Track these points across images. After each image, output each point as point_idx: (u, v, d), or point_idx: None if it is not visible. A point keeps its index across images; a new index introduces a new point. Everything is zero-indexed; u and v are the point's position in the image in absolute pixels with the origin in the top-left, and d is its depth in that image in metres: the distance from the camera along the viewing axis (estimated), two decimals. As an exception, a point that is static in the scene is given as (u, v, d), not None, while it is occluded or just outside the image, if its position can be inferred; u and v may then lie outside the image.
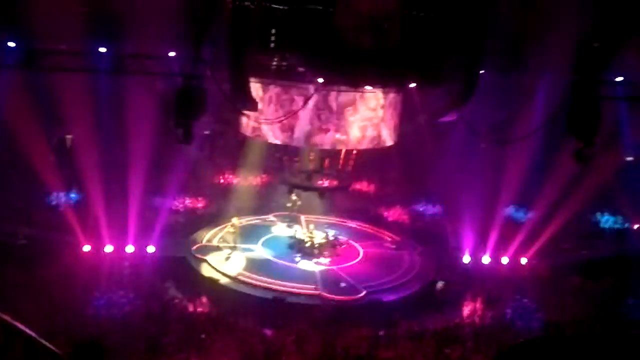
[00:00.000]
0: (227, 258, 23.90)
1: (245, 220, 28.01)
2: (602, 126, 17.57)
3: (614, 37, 19.50)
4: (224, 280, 22.29)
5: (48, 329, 16.05)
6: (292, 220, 27.68)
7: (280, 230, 27.43)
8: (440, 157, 31.56)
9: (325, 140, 21.80)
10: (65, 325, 17.72)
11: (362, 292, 21.67)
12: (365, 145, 22.44)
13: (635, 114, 27.44)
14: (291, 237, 25.84)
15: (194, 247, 24.55)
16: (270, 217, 29.07)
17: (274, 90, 21.18)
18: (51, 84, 25.46)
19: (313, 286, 21.78)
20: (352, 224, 29.32)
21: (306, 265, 23.81)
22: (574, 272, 24.53)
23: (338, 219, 29.47)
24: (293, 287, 21.63)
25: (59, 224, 24.96)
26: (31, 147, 25.64)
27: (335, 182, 26.36)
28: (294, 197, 27.33)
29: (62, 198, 27.17)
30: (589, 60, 18.93)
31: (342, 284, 22.14)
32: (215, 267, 23.07)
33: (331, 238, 25.35)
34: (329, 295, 21.24)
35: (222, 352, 17.44)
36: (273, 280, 21.96)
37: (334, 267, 23.21)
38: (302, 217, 27.81)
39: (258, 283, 21.91)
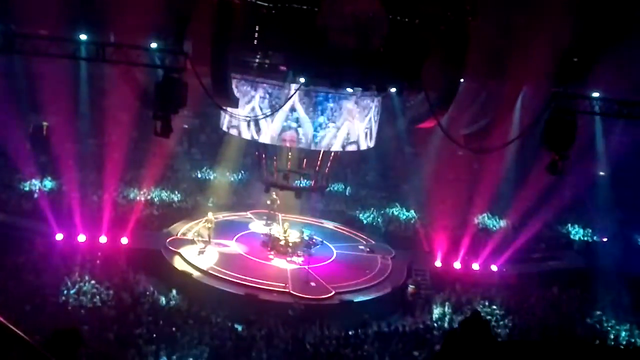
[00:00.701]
0: (200, 252, 23.88)
1: (223, 216, 28.02)
2: (576, 140, 17.89)
3: (592, 53, 19.88)
4: (196, 274, 22.27)
5: (16, 315, 15.98)
6: (270, 219, 27.68)
7: (257, 227, 27.44)
8: (417, 162, 31.95)
9: (297, 140, 21.95)
10: (34, 312, 17.60)
11: (331, 292, 21.81)
12: (340, 147, 22.59)
13: (609, 129, 28.06)
14: (265, 235, 25.88)
15: (168, 240, 24.50)
16: (248, 215, 29.09)
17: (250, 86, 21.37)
18: (29, 70, 25.26)
19: (283, 284, 21.86)
20: (329, 225, 29.43)
21: (279, 263, 23.88)
22: (542, 281, 24.93)
23: (315, 220, 29.56)
24: (263, 284, 21.70)
25: (32, 211, 24.76)
26: (6, 133, 25.39)
27: (312, 183, 26.47)
28: (273, 195, 27.33)
29: (36, 185, 26.96)
30: (567, 74, 19.26)
31: (312, 284, 22.26)
32: (188, 260, 23.04)
33: (306, 238, 25.45)
34: (297, 294, 21.34)
35: (192, 345, 17.45)
36: (244, 276, 22.00)
37: (306, 267, 23.30)
38: (280, 216, 27.85)
39: (229, 278, 21.93)
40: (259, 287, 21.52)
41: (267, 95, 21.28)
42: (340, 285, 22.45)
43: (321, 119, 21.54)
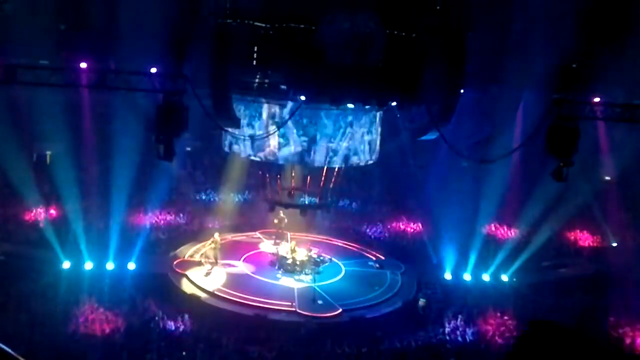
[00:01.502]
0: (207, 273, 23.82)
1: (231, 237, 28.02)
2: (580, 146, 17.83)
3: (592, 59, 19.91)
4: (204, 296, 22.18)
5: (26, 345, 15.90)
6: (279, 238, 27.47)
7: (266, 247, 27.30)
8: (422, 174, 31.86)
9: (301, 158, 22.06)
10: (44, 342, 17.51)
11: (338, 309, 21.67)
12: (342, 163, 22.59)
13: (613, 134, 27.96)
14: (272, 254, 25.79)
15: (175, 262, 24.47)
16: (257, 234, 29.00)
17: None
18: (31, 99, 25.36)
19: (290, 303, 21.73)
20: (338, 243, 29.26)
21: (287, 282, 23.75)
22: (554, 289, 24.69)
23: (324, 237, 29.42)
24: (270, 304, 21.59)
25: (38, 240, 24.69)
26: (10, 163, 25.44)
27: (317, 200, 26.39)
28: (281, 214, 27.26)
29: (41, 214, 26.94)
30: (568, 80, 19.29)
31: (319, 301, 22.11)
32: (195, 282, 22.98)
33: (314, 256, 25.35)
34: (304, 312, 21.22)
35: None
36: (251, 297, 21.93)
37: (313, 285, 23.20)
38: (289, 235, 27.77)
39: (236, 299, 21.85)
40: (265, 307, 21.39)
41: (257, 114, 21.41)
42: (348, 302, 22.32)
43: (318, 136, 21.61)
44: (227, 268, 24.62)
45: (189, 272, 23.69)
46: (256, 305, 21.46)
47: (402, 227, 31.12)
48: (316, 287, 22.91)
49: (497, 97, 24.08)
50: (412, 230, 30.75)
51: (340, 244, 29.11)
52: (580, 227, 30.30)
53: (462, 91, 21.82)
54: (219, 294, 22.25)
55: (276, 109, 21.19)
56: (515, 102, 25.23)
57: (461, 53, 19.93)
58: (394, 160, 30.91)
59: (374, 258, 27.45)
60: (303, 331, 20.28)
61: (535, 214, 28.48)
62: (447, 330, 21.50)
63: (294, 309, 21.38)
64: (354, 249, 28.75)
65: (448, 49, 20.00)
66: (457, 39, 19.99)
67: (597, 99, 18.72)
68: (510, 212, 29.89)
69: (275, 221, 27.63)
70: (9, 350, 5.74)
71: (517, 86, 22.26)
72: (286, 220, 27.42)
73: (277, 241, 27.14)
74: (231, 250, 26.27)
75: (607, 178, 31.18)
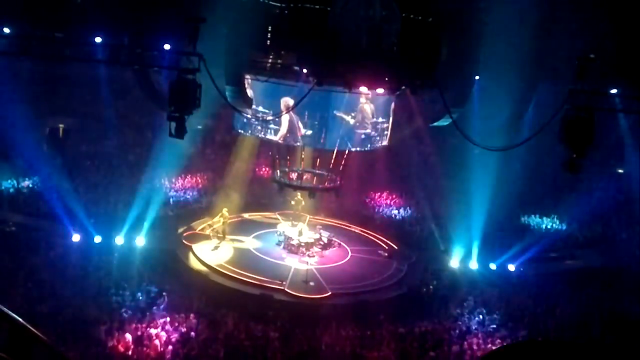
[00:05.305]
0: (215, 248, 24.27)
1: (248, 215, 28.52)
2: (595, 138, 17.59)
3: (611, 49, 19.58)
4: (206, 271, 22.56)
5: (35, 316, 16.11)
6: (296, 219, 27.38)
7: (283, 228, 27.16)
8: (432, 160, 31.78)
9: (313, 140, 22.12)
10: (52, 314, 17.72)
11: (328, 292, 21.80)
12: (354, 146, 22.56)
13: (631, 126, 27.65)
14: (279, 234, 25.91)
15: (185, 234, 24.96)
16: (275, 215, 29.09)
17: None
18: (45, 72, 25.42)
19: (280, 281, 21.92)
20: (355, 229, 29.29)
21: (290, 262, 23.96)
22: (560, 280, 24.65)
23: (342, 222, 29.54)
24: (262, 281, 21.87)
25: (49, 213, 24.87)
26: (23, 136, 25.58)
27: (326, 183, 26.37)
28: (298, 196, 27.30)
29: (52, 187, 27.12)
30: (585, 71, 18.99)
31: (311, 283, 22.27)
32: (198, 256, 23.35)
33: (323, 239, 25.42)
34: (292, 292, 21.45)
35: (208, 346, 17.46)
36: (246, 273, 22.23)
37: (311, 267, 23.31)
38: (307, 217, 27.71)
39: (231, 274, 22.19)
40: (255, 284, 21.72)
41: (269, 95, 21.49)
42: (342, 286, 22.52)
43: (329, 119, 21.67)
44: (233, 244, 24.92)
45: (195, 246, 24.03)
46: (247, 282, 21.84)
47: (410, 212, 31.09)
48: (313, 269, 23.04)
49: (512, 85, 23.77)
50: (420, 215, 30.68)
51: (356, 230, 29.19)
52: (589, 219, 30.12)
53: (477, 78, 21.64)
54: (219, 269, 22.57)
55: (288, 90, 21.14)
56: (530, 90, 24.92)
57: (477, 39, 19.72)
58: (406, 144, 30.87)
59: (386, 247, 27.42)
60: (304, 311, 20.56)
61: (545, 204, 28.32)
62: (451, 317, 21.54)
63: (283, 288, 21.58)
64: (369, 236, 28.74)
65: (464, 34, 19.79)
66: (473, 25, 19.77)
67: (614, 90, 18.45)
68: (522, 201, 29.77)
69: (292, 203, 27.68)
70: (19, 319, 5.82)
71: (533, 74, 21.93)
72: (303, 202, 27.45)
73: (294, 223, 27.14)
74: (245, 228, 26.71)
75: (620, 171, 30.94)
